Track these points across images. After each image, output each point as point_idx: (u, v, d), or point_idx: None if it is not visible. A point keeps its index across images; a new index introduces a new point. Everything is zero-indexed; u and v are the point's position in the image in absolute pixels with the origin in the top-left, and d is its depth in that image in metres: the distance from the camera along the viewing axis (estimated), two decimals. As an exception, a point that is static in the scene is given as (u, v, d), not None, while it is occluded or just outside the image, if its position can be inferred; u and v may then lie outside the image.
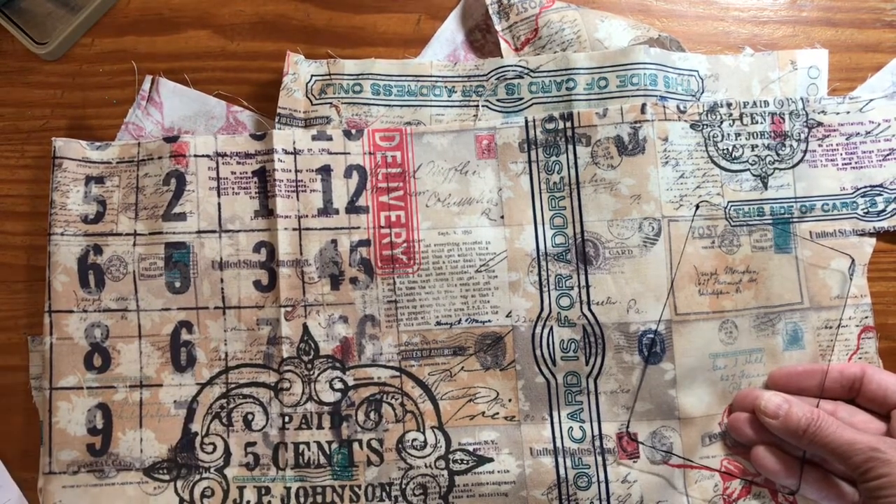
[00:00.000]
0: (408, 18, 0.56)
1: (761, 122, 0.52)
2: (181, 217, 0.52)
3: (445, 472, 0.50)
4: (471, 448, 0.50)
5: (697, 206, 0.51)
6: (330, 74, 0.53)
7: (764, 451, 0.48)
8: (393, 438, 0.50)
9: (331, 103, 0.53)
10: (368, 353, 0.51)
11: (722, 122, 0.52)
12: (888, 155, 0.52)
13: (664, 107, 0.51)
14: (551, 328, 0.51)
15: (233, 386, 0.51)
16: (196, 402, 0.51)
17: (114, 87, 0.55)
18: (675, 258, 0.51)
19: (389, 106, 0.53)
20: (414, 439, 0.50)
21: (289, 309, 0.51)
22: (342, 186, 0.52)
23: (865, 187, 0.52)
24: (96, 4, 0.55)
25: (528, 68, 0.53)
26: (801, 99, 0.53)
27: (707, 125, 0.52)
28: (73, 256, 0.51)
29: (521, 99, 0.53)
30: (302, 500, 0.50)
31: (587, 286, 0.51)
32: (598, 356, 0.50)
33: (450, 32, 0.56)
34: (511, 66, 0.53)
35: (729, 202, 0.52)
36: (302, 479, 0.50)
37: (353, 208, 0.52)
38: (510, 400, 0.51)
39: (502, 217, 0.52)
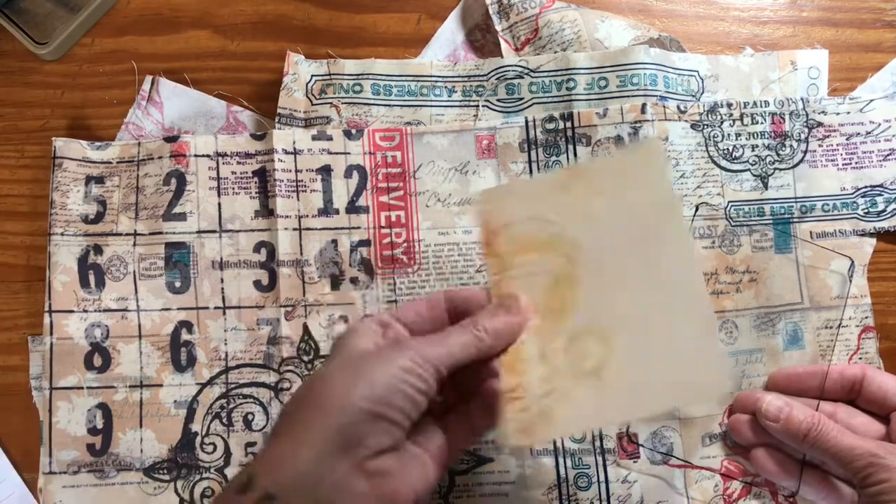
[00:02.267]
0: (408, 18, 0.56)
1: (761, 123, 0.52)
2: (181, 217, 0.52)
3: (445, 472, 0.50)
4: (471, 448, 0.50)
5: (697, 207, 0.51)
6: (330, 74, 0.53)
7: (763, 453, 0.48)
8: (393, 438, 0.50)
9: (331, 103, 0.53)
10: (368, 353, 0.51)
11: (722, 123, 0.52)
12: (888, 155, 0.52)
13: (664, 107, 0.51)
14: (551, 328, 0.51)
15: (233, 386, 0.51)
16: (196, 402, 0.51)
17: (114, 87, 0.55)
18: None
19: (389, 106, 0.53)
20: (414, 439, 0.50)
21: (289, 309, 0.51)
22: (342, 186, 0.52)
23: (866, 187, 0.52)
24: (96, 4, 0.55)
25: (528, 68, 0.53)
26: (802, 99, 0.53)
27: (707, 125, 0.52)
28: (73, 256, 0.51)
29: (521, 99, 0.53)
30: (302, 500, 0.50)
31: (587, 286, 0.51)
32: (598, 356, 0.50)
33: (450, 32, 0.56)
34: (511, 66, 0.53)
35: (729, 202, 0.52)
36: (302, 479, 0.50)
37: (353, 208, 0.52)
38: (510, 400, 0.50)
39: (502, 217, 0.52)
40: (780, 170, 0.52)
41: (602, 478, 0.49)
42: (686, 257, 0.41)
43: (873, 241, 0.52)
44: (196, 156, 0.52)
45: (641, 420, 0.48)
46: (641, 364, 0.39)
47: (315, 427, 0.33)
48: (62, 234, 0.51)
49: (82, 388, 0.50)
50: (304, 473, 0.32)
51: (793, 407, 0.46)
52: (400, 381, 0.35)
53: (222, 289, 0.51)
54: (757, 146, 0.52)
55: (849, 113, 0.53)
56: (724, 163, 0.52)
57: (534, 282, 0.41)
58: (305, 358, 0.51)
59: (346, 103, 0.53)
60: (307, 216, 0.52)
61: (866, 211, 0.52)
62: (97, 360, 0.51)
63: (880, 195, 0.52)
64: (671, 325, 0.39)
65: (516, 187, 0.47)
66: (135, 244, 0.52)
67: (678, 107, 0.52)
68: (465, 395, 0.40)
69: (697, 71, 0.53)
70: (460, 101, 0.54)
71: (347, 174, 0.52)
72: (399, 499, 0.34)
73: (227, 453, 0.50)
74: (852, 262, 0.51)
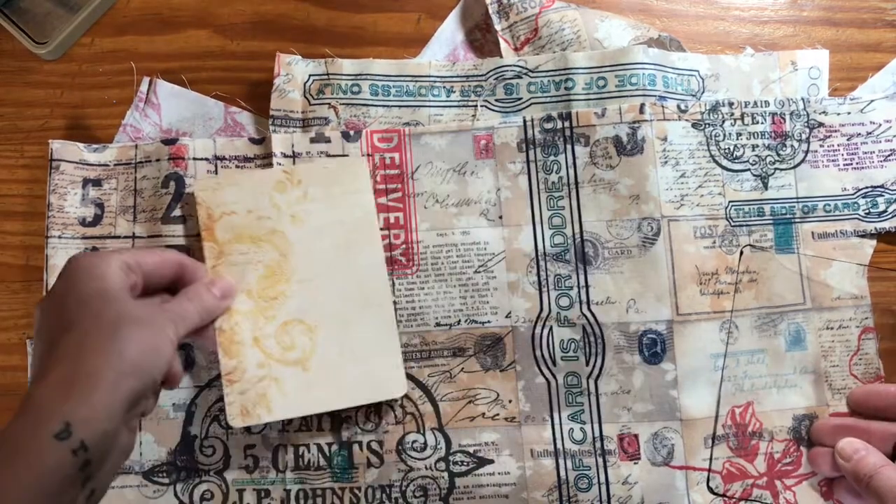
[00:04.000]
0: (408, 18, 0.56)
1: (762, 122, 0.52)
2: (180, 220, 0.51)
3: (446, 474, 0.50)
4: (471, 450, 0.50)
5: (742, 251, 0.51)
6: (328, 74, 0.53)
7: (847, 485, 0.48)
8: (393, 440, 0.50)
9: (329, 104, 0.53)
10: (367, 355, 0.51)
11: (724, 122, 0.52)
12: (889, 156, 0.52)
13: (663, 107, 0.51)
14: (551, 328, 0.51)
15: (232, 387, 0.51)
16: (195, 404, 0.51)
17: (113, 86, 0.55)
18: (676, 258, 0.50)
19: (388, 106, 0.53)
20: (414, 441, 0.50)
21: (287, 310, 0.51)
22: (341, 187, 0.52)
23: (867, 188, 0.52)
24: (96, 4, 0.55)
25: (526, 68, 0.53)
26: (802, 99, 0.52)
27: (709, 124, 0.52)
28: (71, 258, 0.51)
29: (519, 99, 0.53)
30: (302, 502, 0.50)
31: (586, 286, 0.51)
32: (598, 356, 0.50)
33: (449, 32, 0.56)
34: (509, 65, 0.53)
35: (730, 202, 0.52)
36: (301, 482, 0.50)
37: (351, 209, 0.52)
38: (510, 401, 0.50)
39: (500, 217, 0.52)
40: (781, 170, 0.52)
41: (603, 479, 0.49)
42: (377, 266, 0.48)
43: (873, 241, 0.52)
44: (194, 159, 0.52)
45: (341, 410, 0.50)
46: (339, 360, 0.47)
47: (120, 388, 0.36)
48: (59, 237, 0.51)
49: (81, 389, 0.50)
50: (109, 431, 0.36)
51: (869, 452, 0.46)
52: (168, 354, 0.39)
53: (221, 290, 0.51)
54: (757, 146, 0.52)
55: (849, 113, 0.52)
56: (724, 162, 0.52)
57: (248, 269, 0.48)
58: (304, 359, 0.51)
59: (343, 104, 0.53)
60: (306, 217, 0.51)
61: (867, 211, 0.52)
62: (96, 362, 0.51)
63: (881, 196, 0.52)
64: (362, 327, 0.47)
65: (235, 178, 0.50)
66: (133, 247, 0.52)
67: (679, 106, 0.52)
68: None
69: (698, 70, 0.53)
70: (459, 101, 0.53)
71: (346, 175, 0.52)
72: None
73: (227, 456, 0.50)
74: (865, 267, 0.51)
